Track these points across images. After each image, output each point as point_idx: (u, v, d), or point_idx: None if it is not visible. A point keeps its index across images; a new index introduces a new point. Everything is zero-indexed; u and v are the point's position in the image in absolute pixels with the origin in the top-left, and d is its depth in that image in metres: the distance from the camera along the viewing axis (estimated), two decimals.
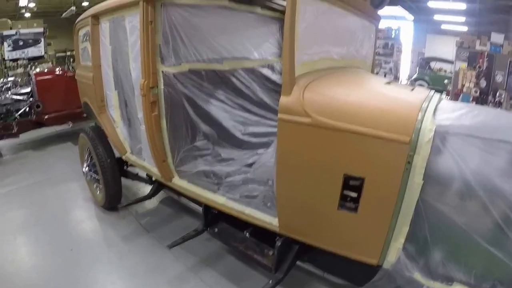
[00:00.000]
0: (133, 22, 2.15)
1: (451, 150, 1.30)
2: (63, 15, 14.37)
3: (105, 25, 2.62)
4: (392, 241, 1.41)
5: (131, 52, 2.23)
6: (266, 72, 2.79)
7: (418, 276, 1.37)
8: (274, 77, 2.80)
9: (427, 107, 1.40)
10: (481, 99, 6.61)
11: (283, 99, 1.48)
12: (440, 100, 1.61)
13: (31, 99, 5.05)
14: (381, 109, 1.40)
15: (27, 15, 13.91)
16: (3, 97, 4.86)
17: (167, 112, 2.06)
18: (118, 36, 2.40)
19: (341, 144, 1.41)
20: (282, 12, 2.93)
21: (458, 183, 1.27)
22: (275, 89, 2.74)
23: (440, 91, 7.90)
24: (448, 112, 1.45)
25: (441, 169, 1.30)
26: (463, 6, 9.66)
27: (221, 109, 2.43)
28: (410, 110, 1.37)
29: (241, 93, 2.59)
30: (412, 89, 1.74)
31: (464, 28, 11.37)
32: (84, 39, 3.20)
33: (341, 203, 1.46)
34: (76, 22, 3.38)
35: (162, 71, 2.03)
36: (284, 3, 1.43)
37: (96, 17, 2.74)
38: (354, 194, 1.43)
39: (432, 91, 1.77)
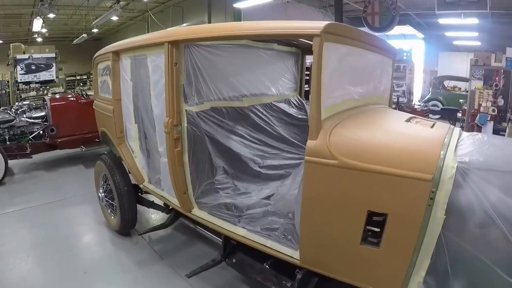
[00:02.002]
0: (156, 61, 2.31)
1: (472, 185, 1.37)
2: (75, 41, 15.13)
3: (126, 62, 2.82)
4: (413, 275, 1.47)
5: (153, 89, 2.40)
6: (283, 106, 2.95)
7: None
8: (291, 111, 2.97)
9: (448, 143, 1.51)
10: (499, 118, 6.64)
11: (311, 143, 1.61)
12: (460, 134, 1.72)
13: (45, 123, 5.36)
14: (403, 149, 1.52)
15: (39, 39, 14.67)
16: (18, 119, 5.18)
17: (189, 148, 2.21)
18: (140, 73, 2.58)
19: (365, 183, 1.50)
20: (297, 47, 3.14)
21: (479, 217, 1.33)
22: (292, 122, 2.90)
23: (456, 110, 7.97)
24: (469, 147, 1.54)
25: (463, 203, 1.37)
26: (475, 21, 9.80)
27: (240, 144, 2.58)
28: (431, 147, 1.48)
29: (259, 128, 2.74)
30: (433, 125, 1.85)
31: (477, 43, 11.48)
32: (104, 73, 3.43)
33: (364, 238, 1.54)
34: (95, 56, 3.61)
35: (186, 110, 2.19)
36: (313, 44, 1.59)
37: (117, 53, 2.94)
38: (377, 230, 1.51)
39: (452, 126, 1.89)
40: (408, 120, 1.88)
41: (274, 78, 2.99)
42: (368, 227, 1.54)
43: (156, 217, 3.65)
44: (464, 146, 1.55)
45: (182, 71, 2.15)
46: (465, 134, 1.80)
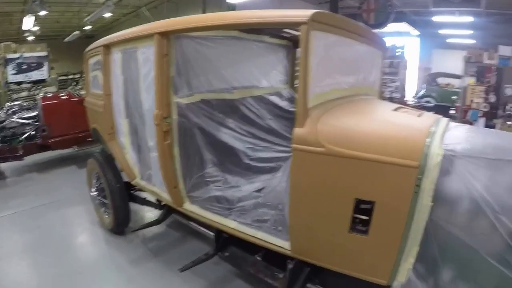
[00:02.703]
0: (146, 53, 2.31)
1: (459, 172, 1.40)
2: (66, 39, 14.99)
3: (117, 55, 2.80)
4: (402, 262, 1.49)
5: (143, 82, 2.40)
6: (274, 99, 2.96)
7: None
8: (282, 103, 2.97)
9: (434, 131, 1.53)
10: (491, 114, 6.72)
11: (298, 131, 1.63)
12: (448, 124, 1.74)
13: (37, 123, 5.31)
14: (390, 136, 1.54)
15: (30, 38, 14.52)
16: (9, 120, 5.13)
17: (179, 141, 2.21)
18: (130, 66, 2.58)
19: (352, 170, 1.53)
20: (289, 39, 3.15)
21: (467, 204, 1.36)
22: (283, 115, 2.91)
23: (448, 107, 8.06)
24: (456, 135, 1.57)
25: (450, 190, 1.40)
26: (469, 19, 9.91)
27: (231, 137, 2.58)
28: (418, 135, 1.50)
29: (250, 121, 2.75)
30: (420, 115, 1.87)
31: (471, 41, 11.60)
32: (95, 68, 3.41)
33: (352, 226, 1.56)
34: (86, 51, 3.59)
35: (176, 102, 2.20)
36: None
37: (108, 47, 2.93)
38: (365, 217, 1.53)
39: (440, 116, 1.91)
40: (395, 110, 1.90)
41: (265, 71, 3.00)
42: (356, 215, 1.55)
43: (150, 214, 3.65)
44: (451, 135, 1.58)
45: (172, 62, 2.15)
46: (453, 123, 1.82)
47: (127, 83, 2.70)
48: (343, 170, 1.55)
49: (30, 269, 2.85)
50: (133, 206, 3.27)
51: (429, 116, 1.87)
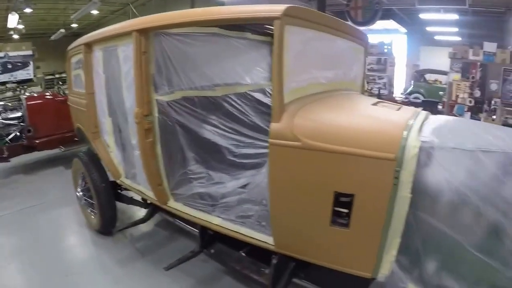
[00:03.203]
0: (126, 51, 2.29)
1: (437, 163, 1.41)
2: (52, 37, 14.71)
3: (98, 54, 2.78)
4: (385, 254, 1.51)
5: (124, 80, 2.38)
6: (258, 96, 2.97)
7: (412, 287, 1.44)
8: (266, 100, 2.97)
9: (412, 124, 1.54)
10: (476, 108, 6.84)
11: (274, 126, 1.63)
12: (427, 117, 1.75)
13: (22, 123, 5.20)
14: (367, 130, 1.55)
15: (16, 36, 14.22)
16: None
17: (161, 138, 2.20)
18: (111, 64, 2.55)
19: (330, 164, 1.53)
20: (272, 36, 3.14)
21: (446, 195, 1.36)
22: (267, 111, 2.89)
23: (436, 103, 8.18)
24: (434, 128, 1.57)
25: (429, 182, 1.40)
26: (455, 16, 10.05)
27: (214, 134, 2.58)
28: (395, 128, 1.51)
29: (233, 117, 2.74)
30: (399, 108, 1.89)
31: (458, 39, 11.77)
32: (77, 66, 3.36)
33: (333, 219, 1.57)
34: (68, 49, 3.54)
35: (156, 100, 2.18)
36: (274, 27, 1.59)
37: (89, 45, 2.89)
38: (345, 210, 1.54)
39: (420, 109, 1.93)
40: (375, 104, 1.92)
41: (248, 68, 2.99)
42: (337, 209, 1.56)
43: (139, 213, 3.61)
44: (430, 127, 1.59)
45: (152, 60, 2.13)
46: (432, 116, 1.84)
47: (109, 81, 2.68)
48: (321, 163, 1.56)
49: (17, 274, 2.80)
50: (121, 205, 3.23)
51: (408, 110, 1.88)
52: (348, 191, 1.52)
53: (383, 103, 1.97)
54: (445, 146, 1.45)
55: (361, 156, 1.46)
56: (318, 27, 1.90)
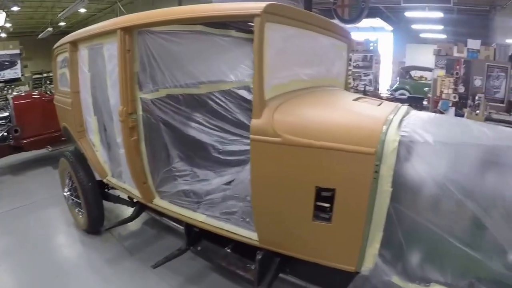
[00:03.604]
0: (110, 50, 2.25)
1: (417, 157, 1.41)
2: (40, 35, 14.38)
3: (83, 52, 2.73)
4: (368, 248, 1.51)
5: (109, 79, 2.34)
6: (242, 93, 2.95)
7: (396, 279, 1.44)
8: (251, 97, 2.90)
9: (392, 119, 1.54)
10: (460, 104, 6.95)
11: (254, 122, 1.62)
12: (407, 112, 1.76)
13: (9, 123, 5.08)
14: (347, 125, 1.55)
15: (3, 35, 13.85)
16: None
17: (146, 136, 2.17)
18: (97, 63, 2.51)
19: (310, 159, 1.53)
20: None
21: (428, 188, 1.36)
22: (252, 108, 2.89)
23: (422, 98, 8.29)
24: (414, 123, 1.57)
25: (410, 175, 1.40)
26: (440, 14, 10.18)
27: (199, 131, 2.56)
28: (375, 123, 1.51)
29: (218, 115, 2.72)
30: (380, 104, 1.88)
31: (443, 36, 11.92)
32: (63, 65, 3.30)
33: (315, 214, 1.57)
34: (54, 47, 3.46)
35: (140, 98, 2.15)
36: (254, 25, 1.57)
37: (74, 44, 2.84)
38: (327, 205, 1.54)
39: (400, 104, 1.93)
40: (356, 100, 1.92)
41: (233, 65, 2.97)
42: (319, 203, 1.56)
43: (127, 212, 3.57)
44: (410, 122, 1.59)
45: (136, 58, 2.11)
46: (413, 111, 1.84)
47: (94, 80, 2.63)
48: (301, 158, 1.55)
49: (6, 275, 2.74)
50: (108, 204, 3.20)
51: (389, 105, 1.89)
52: (329, 185, 1.51)
53: (364, 99, 1.97)
54: (425, 140, 1.45)
55: (341, 151, 1.46)
56: (299, 24, 1.89)
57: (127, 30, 2.05)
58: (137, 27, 2.05)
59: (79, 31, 2.84)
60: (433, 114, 1.92)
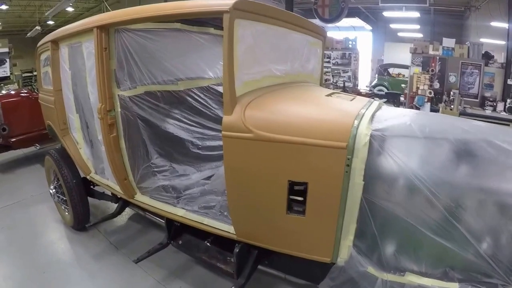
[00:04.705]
0: (89, 48, 2.18)
1: (388, 151, 1.40)
2: (28, 34, 13.92)
3: (64, 50, 2.64)
4: (342, 239, 1.50)
5: (88, 77, 2.27)
6: (221, 89, 2.86)
7: (371, 269, 1.43)
8: None
9: (363, 114, 1.52)
10: (436, 99, 7.05)
11: (226, 118, 1.57)
12: (379, 107, 1.74)
13: None
14: (318, 120, 1.52)
15: None
16: None
17: (125, 133, 2.11)
18: (77, 61, 2.43)
19: (282, 154, 1.49)
20: None
21: (399, 180, 1.35)
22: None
23: (399, 94, 8.39)
24: (385, 117, 1.56)
25: (381, 169, 1.39)
26: (416, 14, 10.29)
27: (178, 127, 2.50)
28: (346, 118, 1.48)
29: (197, 111, 2.67)
30: (352, 99, 1.86)
31: (419, 35, 12.07)
32: (45, 64, 3.19)
33: (289, 207, 1.54)
34: (37, 46, 3.35)
35: (118, 95, 2.08)
36: (223, 21, 1.52)
37: (55, 42, 2.75)
38: (300, 198, 1.51)
39: (372, 100, 1.91)
40: (329, 95, 1.89)
41: (211, 62, 2.90)
42: (293, 197, 1.53)
43: (113, 208, 3.49)
44: (382, 117, 1.58)
45: (113, 56, 2.03)
46: (385, 107, 1.83)
47: (75, 78, 2.55)
48: (273, 153, 1.52)
49: None
50: (95, 201, 3.12)
51: (361, 100, 1.87)
52: (302, 179, 1.49)
53: (337, 94, 1.94)
54: (396, 133, 1.43)
55: (313, 146, 1.43)
56: (270, 20, 1.83)
57: (104, 28, 1.98)
58: (112, 25, 1.98)
59: (59, 29, 2.74)
60: (405, 109, 1.91)
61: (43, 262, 2.72)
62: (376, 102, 1.82)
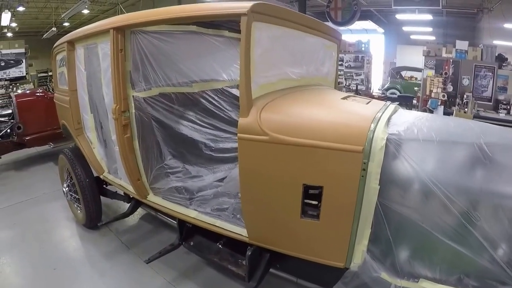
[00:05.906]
0: (105, 49, 2.21)
1: (404, 155, 1.37)
2: (45, 35, 14.25)
3: (80, 51, 2.68)
4: (356, 244, 1.47)
5: (103, 77, 2.29)
6: (235, 91, 2.88)
7: (385, 275, 1.40)
8: None
9: (380, 117, 1.49)
10: (449, 102, 6.92)
11: (242, 121, 1.57)
12: (395, 110, 1.71)
13: (12, 121, 5.00)
14: (334, 123, 1.49)
15: (9, 34, 13.69)
16: None
17: (138, 134, 2.12)
18: (92, 62, 2.46)
19: (298, 157, 1.48)
20: None
21: (415, 185, 1.33)
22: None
23: (412, 98, 8.27)
24: (401, 121, 1.54)
25: (397, 173, 1.36)
26: (429, 17, 10.14)
27: (191, 129, 2.51)
28: (362, 121, 1.46)
29: (210, 113, 2.67)
30: (368, 102, 1.83)
31: (432, 38, 11.88)
32: (61, 64, 3.25)
33: (304, 211, 1.52)
34: (53, 47, 3.41)
35: (133, 96, 2.10)
36: (241, 24, 1.52)
37: (71, 43, 2.79)
38: (314, 203, 1.49)
39: (389, 103, 1.88)
40: (344, 98, 1.86)
41: (225, 64, 2.91)
42: (307, 201, 1.51)
43: (124, 208, 3.52)
44: (398, 120, 1.55)
45: (129, 57, 2.05)
46: (401, 110, 1.79)
47: (90, 78, 2.58)
48: (289, 156, 1.50)
49: (7, 269, 2.69)
50: (107, 200, 3.14)
51: (377, 103, 1.84)
52: (317, 183, 1.46)
53: (353, 97, 1.91)
54: (412, 137, 1.41)
55: (329, 149, 1.41)
56: (287, 23, 1.82)
57: (120, 30, 2.00)
58: (129, 26, 2.00)
59: (76, 31, 2.79)
60: (420, 112, 1.87)
61: (54, 259, 2.75)
62: (392, 106, 1.79)
